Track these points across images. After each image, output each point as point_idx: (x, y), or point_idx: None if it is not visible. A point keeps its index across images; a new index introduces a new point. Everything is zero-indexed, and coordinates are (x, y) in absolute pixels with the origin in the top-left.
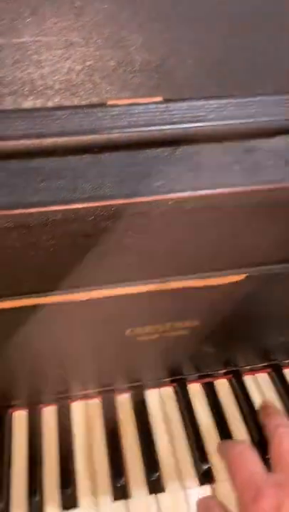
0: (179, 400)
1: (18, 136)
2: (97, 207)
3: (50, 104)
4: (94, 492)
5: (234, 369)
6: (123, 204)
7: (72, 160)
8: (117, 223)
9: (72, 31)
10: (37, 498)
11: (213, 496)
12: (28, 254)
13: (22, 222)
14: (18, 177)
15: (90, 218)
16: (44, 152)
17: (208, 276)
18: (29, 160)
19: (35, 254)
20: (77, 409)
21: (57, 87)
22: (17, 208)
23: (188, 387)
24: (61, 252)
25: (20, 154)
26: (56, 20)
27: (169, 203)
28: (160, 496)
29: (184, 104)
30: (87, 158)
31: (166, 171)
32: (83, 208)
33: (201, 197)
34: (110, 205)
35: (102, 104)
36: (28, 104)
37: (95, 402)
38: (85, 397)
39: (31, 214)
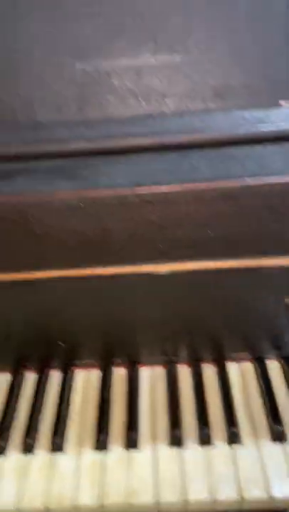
0: None
1: (217, 129)
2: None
3: (230, 104)
4: (255, 434)
5: None
6: None
7: (258, 148)
8: None
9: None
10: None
11: None
12: (218, 222)
13: (224, 192)
14: (220, 162)
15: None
16: (237, 142)
17: None
18: (228, 148)
19: (221, 223)
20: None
21: (236, 91)
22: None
23: None
24: (242, 223)
25: (218, 144)
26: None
27: None
28: None
29: None
30: (271, 146)
31: None
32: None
33: None
34: None
35: (276, 105)
36: (212, 105)
37: (235, 366)
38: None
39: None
